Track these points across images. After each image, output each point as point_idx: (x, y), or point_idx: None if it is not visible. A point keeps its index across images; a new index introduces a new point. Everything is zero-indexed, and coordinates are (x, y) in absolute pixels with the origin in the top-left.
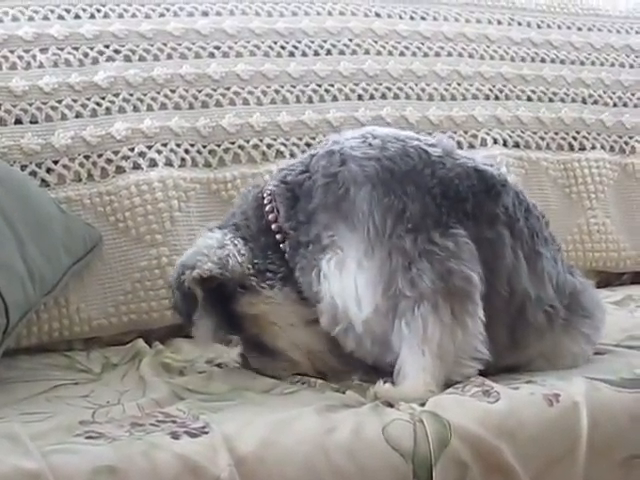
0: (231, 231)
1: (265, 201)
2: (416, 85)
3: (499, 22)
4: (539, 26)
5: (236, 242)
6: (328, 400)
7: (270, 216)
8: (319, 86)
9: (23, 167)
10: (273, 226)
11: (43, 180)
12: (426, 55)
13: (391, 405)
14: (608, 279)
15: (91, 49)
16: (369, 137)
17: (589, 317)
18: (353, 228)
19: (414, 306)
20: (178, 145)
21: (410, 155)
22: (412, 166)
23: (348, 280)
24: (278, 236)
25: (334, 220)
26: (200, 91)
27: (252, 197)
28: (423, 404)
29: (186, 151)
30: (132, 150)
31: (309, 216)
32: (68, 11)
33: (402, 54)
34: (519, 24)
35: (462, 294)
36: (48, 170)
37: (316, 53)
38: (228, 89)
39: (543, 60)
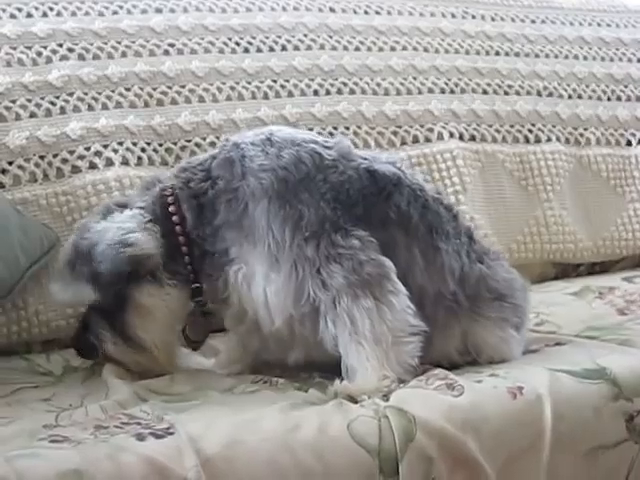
0: (144, 214)
1: (169, 201)
2: (372, 80)
3: (453, 15)
4: (493, 19)
5: (155, 229)
6: (291, 399)
7: (174, 218)
8: (274, 82)
9: None
10: (177, 229)
11: None
12: (381, 50)
13: (355, 401)
14: (565, 270)
15: (44, 48)
16: (267, 144)
17: (500, 299)
18: (255, 244)
19: (334, 303)
20: (134, 144)
21: (303, 161)
22: (305, 173)
23: (257, 292)
24: (181, 239)
25: (238, 237)
26: (155, 89)
27: (157, 193)
28: (387, 398)
29: (142, 150)
30: (88, 149)
31: (215, 231)
32: (20, 10)
33: (357, 49)
34: (473, 17)
35: (378, 278)
36: (3, 171)
37: (271, 49)
38: (183, 87)
39: (497, 53)
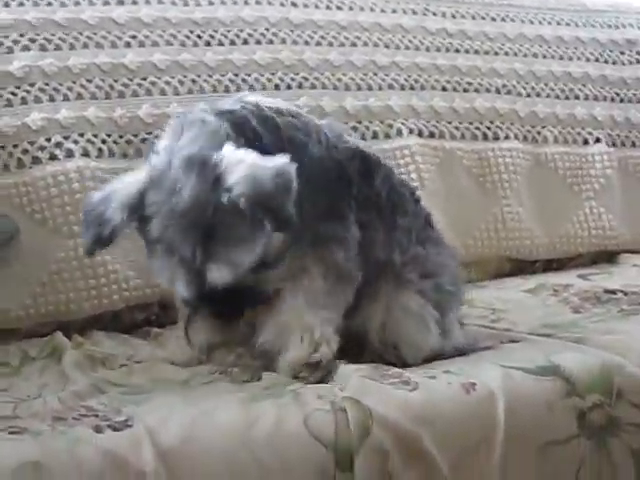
0: None
1: None
2: (333, 75)
3: (414, 12)
4: (453, 16)
5: None
6: (247, 390)
7: None
8: (236, 75)
9: None
10: None
11: None
12: (342, 45)
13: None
14: (521, 267)
15: (6, 38)
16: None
17: (428, 277)
18: None
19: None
20: (95, 135)
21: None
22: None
23: None
24: None
25: None
26: (116, 81)
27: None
28: (342, 389)
29: (103, 141)
30: (48, 140)
31: None
32: None
33: (319, 44)
34: (434, 14)
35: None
36: None
37: (232, 42)
38: (145, 79)
39: (457, 50)
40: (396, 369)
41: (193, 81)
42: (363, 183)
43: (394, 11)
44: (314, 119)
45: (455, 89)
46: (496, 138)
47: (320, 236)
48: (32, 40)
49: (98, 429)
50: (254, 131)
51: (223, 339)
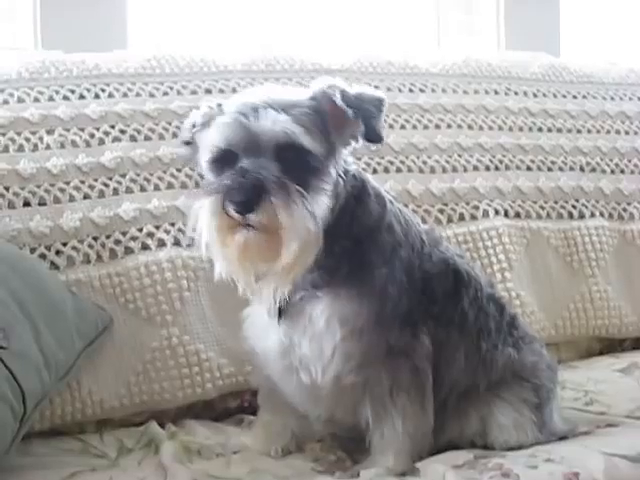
0: None
1: None
2: (418, 158)
3: (496, 92)
4: (535, 95)
5: None
6: None
7: None
8: None
9: (32, 250)
10: None
11: (52, 263)
12: (426, 127)
13: None
14: (611, 346)
15: (97, 129)
16: None
17: (522, 379)
18: None
19: (379, 392)
20: (186, 224)
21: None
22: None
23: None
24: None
25: None
26: None
27: None
28: None
29: None
30: (140, 230)
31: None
32: (73, 91)
33: (403, 127)
34: (516, 94)
35: (421, 388)
36: (57, 252)
37: None
38: None
39: (540, 129)
40: (495, 459)
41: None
42: (448, 303)
43: (476, 92)
44: (417, 221)
45: (539, 168)
46: (582, 216)
47: (391, 348)
48: (122, 131)
49: None
50: (366, 195)
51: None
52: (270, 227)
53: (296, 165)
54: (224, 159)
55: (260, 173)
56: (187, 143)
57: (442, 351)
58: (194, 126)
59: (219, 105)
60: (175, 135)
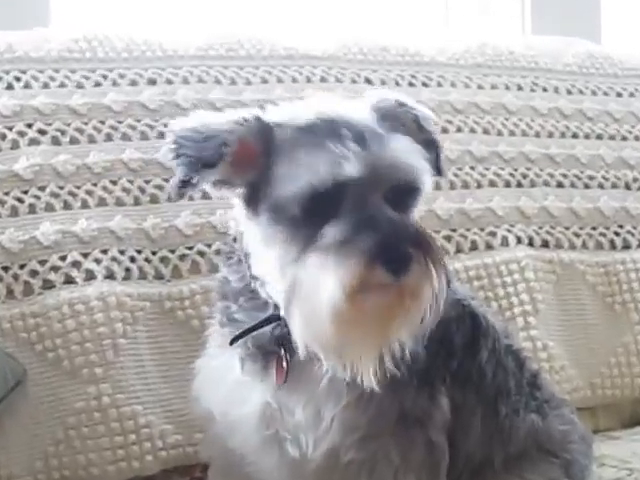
0: None
1: None
2: None
3: (519, 88)
4: (569, 92)
5: None
6: None
7: None
8: None
9: None
10: None
11: None
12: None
13: None
14: None
15: (9, 129)
16: None
17: (549, 454)
18: None
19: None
20: (121, 252)
21: None
22: None
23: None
24: None
25: None
26: (148, 182)
27: None
28: None
29: (132, 259)
30: (63, 259)
31: None
32: None
33: None
34: (544, 90)
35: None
36: None
37: None
38: None
39: (575, 135)
40: None
41: None
42: (467, 356)
43: (494, 87)
44: None
45: (574, 185)
46: (627, 246)
47: (405, 416)
48: (42, 132)
49: None
50: None
51: None
52: (415, 290)
53: (401, 209)
54: (324, 200)
55: (405, 225)
56: (208, 166)
57: (458, 417)
58: (222, 145)
59: (257, 119)
60: (110, 137)
